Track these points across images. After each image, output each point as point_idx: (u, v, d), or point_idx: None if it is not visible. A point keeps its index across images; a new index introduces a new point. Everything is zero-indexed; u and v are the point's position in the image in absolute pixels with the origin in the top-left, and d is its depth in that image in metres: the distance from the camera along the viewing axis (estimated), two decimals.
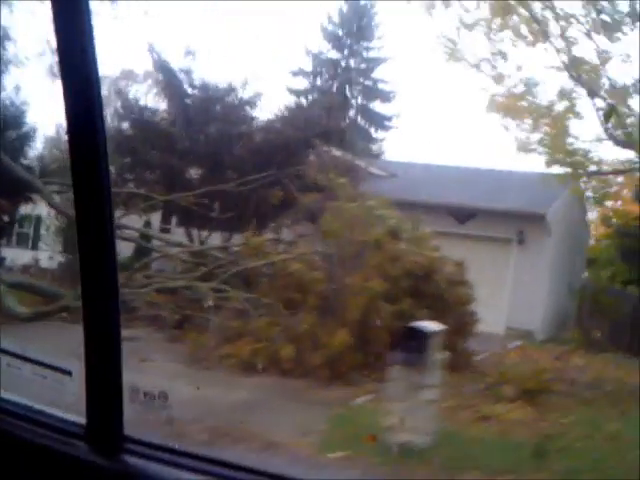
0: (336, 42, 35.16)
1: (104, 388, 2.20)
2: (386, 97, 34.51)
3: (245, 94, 17.29)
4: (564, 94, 13.44)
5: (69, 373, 2.44)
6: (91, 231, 2.07)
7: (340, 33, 35.27)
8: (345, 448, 7.63)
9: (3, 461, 2.36)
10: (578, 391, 11.60)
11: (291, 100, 30.29)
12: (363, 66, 34.85)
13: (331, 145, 18.59)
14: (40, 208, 18.85)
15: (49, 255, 19.67)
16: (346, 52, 34.89)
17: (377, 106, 34.71)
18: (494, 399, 10.44)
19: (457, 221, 19.54)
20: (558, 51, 13.02)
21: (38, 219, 21.19)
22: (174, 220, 18.61)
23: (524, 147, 13.97)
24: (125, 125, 16.74)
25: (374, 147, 34.61)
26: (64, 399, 2.39)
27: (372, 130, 34.58)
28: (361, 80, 34.86)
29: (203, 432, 7.57)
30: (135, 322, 12.25)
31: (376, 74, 34.91)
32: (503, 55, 13.60)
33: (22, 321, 12.67)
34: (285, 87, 33.86)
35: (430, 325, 8.53)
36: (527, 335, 18.67)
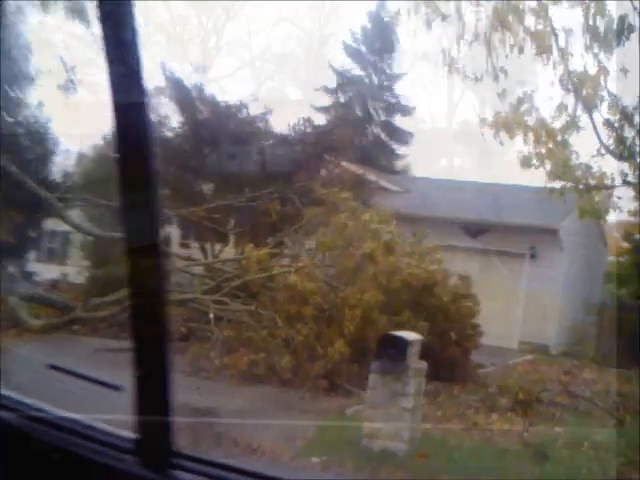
0: (359, 58, 35.45)
1: (154, 403, 2.19)
2: (407, 112, 34.65)
3: (256, 110, 17.61)
4: (563, 108, 13.50)
5: (118, 388, 2.48)
6: (140, 250, 2.08)
7: (363, 49, 35.56)
8: (326, 453, 7.79)
9: (54, 476, 2.37)
10: (577, 403, 11.65)
11: (315, 117, 30.52)
12: (385, 82, 35.02)
13: (345, 160, 18.83)
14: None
15: (75, 270, 20.03)
16: (369, 68, 35.12)
17: (399, 121, 34.83)
18: (488, 409, 10.56)
19: (469, 236, 19.64)
20: (555, 65, 13.11)
21: (65, 234, 21.56)
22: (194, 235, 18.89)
23: (526, 162, 14.01)
24: None
25: (398, 163, 34.76)
26: (113, 414, 2.44)
27: (395, 146, 34.70)
28: (384, 96, 35.03)
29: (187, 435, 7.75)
30: None
31: (397, 89, 35.13)
32: (503, 70, 13.69)
33: (34, 333, 13.05)
34: (309, 104, 34.26)
35: (408, 334, 8.68)
36: (541, 349, 18.68)
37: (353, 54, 35.51)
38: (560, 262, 19.62)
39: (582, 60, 13.55)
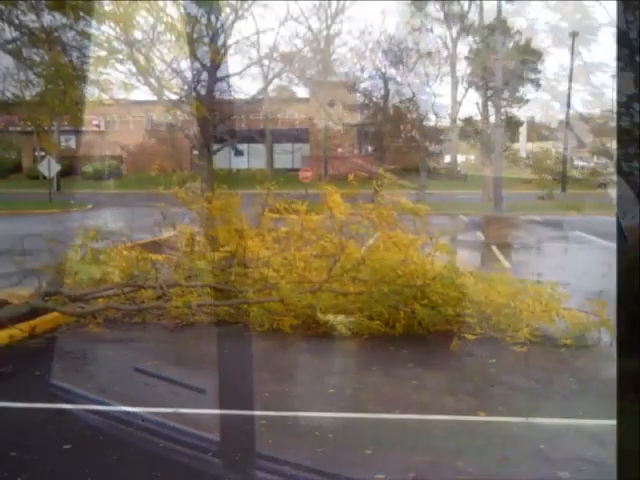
0: (394, 60, 35.97)
1: (236, 406, 2.36)
2: (441, 112, 35.16)
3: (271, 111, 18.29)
4: (549, 107, 13.97)
5: (203, 392, 2.69)
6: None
7: (398, 50, 36.07)
8: (274, 437, 8.49)
9: (139, 477, 2.54)
10: (547, 389, 11.99)
11: (347, 116, 31.23)
12: (418, 82, 35.53)
13: (357, 158, 19.43)
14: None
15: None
16: (403, 69, 35.65)
17: (432, 121, 35.32)
18: (445, 394, 11.01)
19: (480, 231, 20.10)
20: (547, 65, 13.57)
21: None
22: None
23: (515, 160, 14.55)
24: (152, 142, 17.97)
25: (430, 160, 35.23)
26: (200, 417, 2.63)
27: (427, 144, 35.14)
28: (417, 96, 35.53)
29: None
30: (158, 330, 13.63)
31: (431, 89, 35.60)
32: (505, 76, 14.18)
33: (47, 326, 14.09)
34: (341, 103, 34.94)
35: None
36: (548, 342, 18.88)
37: (389, 55, 36.11)
38: (576, 256, 19.88)
39: (557, 59, 14.00)
